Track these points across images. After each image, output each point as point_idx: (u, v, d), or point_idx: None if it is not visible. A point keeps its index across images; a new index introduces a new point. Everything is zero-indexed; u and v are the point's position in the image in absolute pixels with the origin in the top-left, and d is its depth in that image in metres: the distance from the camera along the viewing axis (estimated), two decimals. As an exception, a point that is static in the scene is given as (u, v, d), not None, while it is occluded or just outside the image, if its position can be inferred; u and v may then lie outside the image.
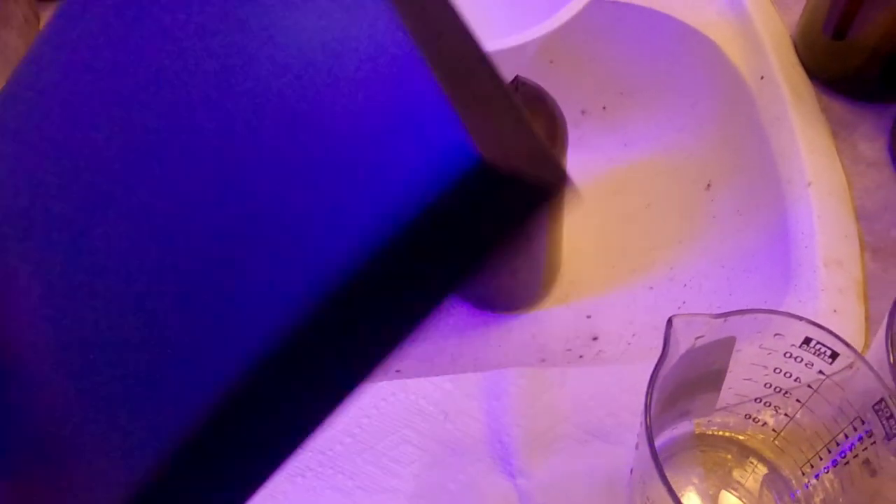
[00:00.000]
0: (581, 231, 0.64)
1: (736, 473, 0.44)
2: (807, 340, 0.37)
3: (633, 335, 0.59)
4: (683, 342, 0.37)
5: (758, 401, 0.42)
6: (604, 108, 0.67)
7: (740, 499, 0.43)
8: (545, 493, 0.41)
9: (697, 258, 0.60)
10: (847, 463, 0.39)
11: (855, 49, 0.54)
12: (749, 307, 0.38)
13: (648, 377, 0.36)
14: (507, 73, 0.48)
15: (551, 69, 0.65)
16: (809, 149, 0.52)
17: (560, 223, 0.58)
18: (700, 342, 0.37)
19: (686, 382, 0.40)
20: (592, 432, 0.44)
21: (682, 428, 0.44)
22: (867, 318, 0.47)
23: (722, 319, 0.37)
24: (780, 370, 0.39)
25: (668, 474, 0.34)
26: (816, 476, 0.41)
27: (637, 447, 0.38)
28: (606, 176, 0.67)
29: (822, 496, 0.41)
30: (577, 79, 0.65)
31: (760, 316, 0.37)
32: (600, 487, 0.42)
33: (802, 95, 0.55)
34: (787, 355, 0.38)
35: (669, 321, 0.36)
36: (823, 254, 0.49)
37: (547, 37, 0.43)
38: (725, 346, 0.39)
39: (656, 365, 0.36)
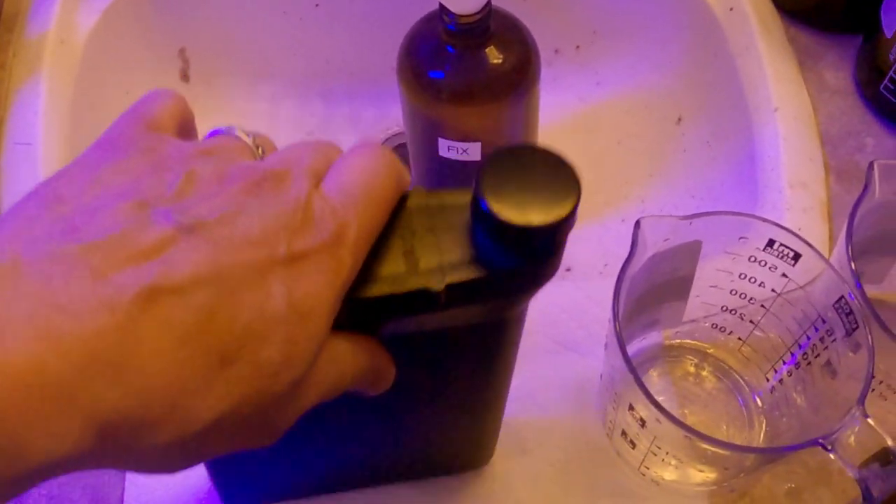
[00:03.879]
0: (554, 168, 0.65)
1: (702, 382, 0.45)
2: (770, 242, 0.39)
3: (605, 265, 0.60)
4: (651, 244, 0.38)
5: (724, 309, 0.43)
6: (577, 47, 0.68)
7: (706, 405, 0.45)
8: (516, 399, 0.42)
9: (668, 191, 0.62)
10: (809, 363, 0.40)
11: (821, -19, 0.55)
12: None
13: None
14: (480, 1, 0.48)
15: (525, 6, 0.65)
16: (776, 77, 0.54)
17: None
18: (667, 245, 0.39)
19: (653, 288, 0.41)
20: (563, 343, 0.45)
21: (651, 339, 0.46)
22: (831, 238, 0.48)
23: (688, 221, 0.38)
24: (745, 275, 0.41)
25: (635, 365, 0.35)
26: (778, 378, 0.42)
27: (606, 347, 0.39)
28: (579, 114, 0.68)
29: (783, 398, 0.42)
30: (551, 17, 0.66)
31: (725, 217, 0.39)
32: (570, 393, 0.43)
33: (770, 26, 0.56)
34: (752, 259, 0.40)
35: (637, 223, 0.37)
36: (789, 176, 0.50)
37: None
38: (692, 251, 0.40)
39: (624, 264, 0.37)
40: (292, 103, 0.69)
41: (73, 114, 0.53)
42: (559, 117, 0.68)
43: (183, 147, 0.25)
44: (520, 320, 0.32)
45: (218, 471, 0.37)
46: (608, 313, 0.47)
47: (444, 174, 0.57)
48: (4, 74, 0.55)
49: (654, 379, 0.45)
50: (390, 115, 0.70)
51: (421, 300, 0.26)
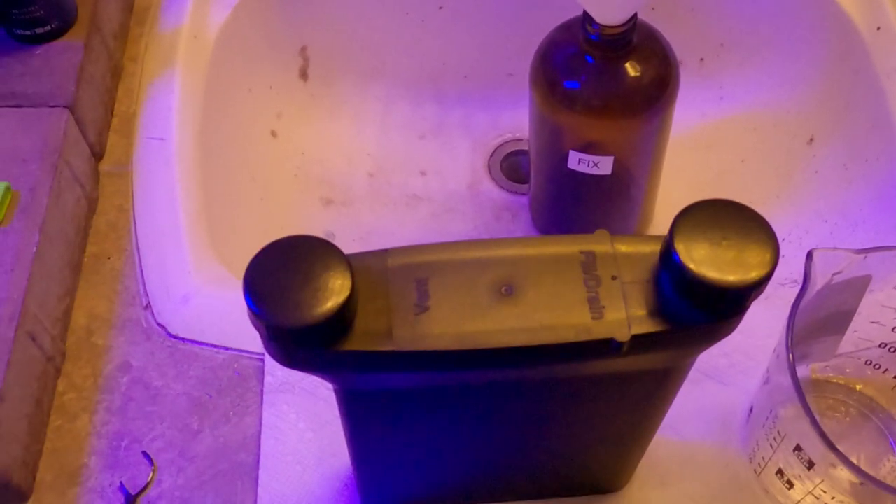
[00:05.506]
0: (674, 184, 0.63)
1: (851, 420, 0.43)
2: (948, 282, 0.37)
3: (729, 287, 0.58)
4: (821, 277, 0.36)
5: (882, 346, 0.41)
6: (701, 59, 0.66)
7: (853, 444, 0.43)
8: (658, 431, 0.41)
9: (796, 213, 0.59)
10: (977, 410, 0.38)
11: (977, 2, 0.53)
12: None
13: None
14: (622, 11, 0.47)
15: (651, 16, 0.63)
16: (928, 101, 0.51)
17: (658, 173, 0.58)
18: (837, 279, 0.37)
19: (812, 322, 0.39)
20: (705, 372, 0.43)
21: (798, 373, 0.44)
22: None
23: (862, 256, 0.36)
24: (913, 313, 0.39)
25: (808, 405, 0.33)
26: (940, 424, 0.40)
27: (766, 382, 0.38)
28: (700, 130, 0.66)
29: (942, 446, 0.40)
30: (677, 28, 0.64)
31: (902, 254, 0.37)
32: (713, 424, 0.42)
33: (921, 48, 0.54)
34: (924, 297, 0.38)
35: (809, 254, 0.35)
36: (942, 206, 0.48)
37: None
38: (860, 286, 0.38)
39: (797, 297, 0.35)
40: (405, 105, 0.69)
41: (204, 110, 0.53)
42: (679, 132, 0.65)
43: None
44: (688, 367, 0.31)
45: (362, 471, 0.37)
46: (750, 340, 0.45)
47: (570, 186, 0.56)
48: (136, 68, 0.55)
49: (799, 413, 0.43)
50: (503, 122, 0.69)
51: (603, 349, 0.26)
